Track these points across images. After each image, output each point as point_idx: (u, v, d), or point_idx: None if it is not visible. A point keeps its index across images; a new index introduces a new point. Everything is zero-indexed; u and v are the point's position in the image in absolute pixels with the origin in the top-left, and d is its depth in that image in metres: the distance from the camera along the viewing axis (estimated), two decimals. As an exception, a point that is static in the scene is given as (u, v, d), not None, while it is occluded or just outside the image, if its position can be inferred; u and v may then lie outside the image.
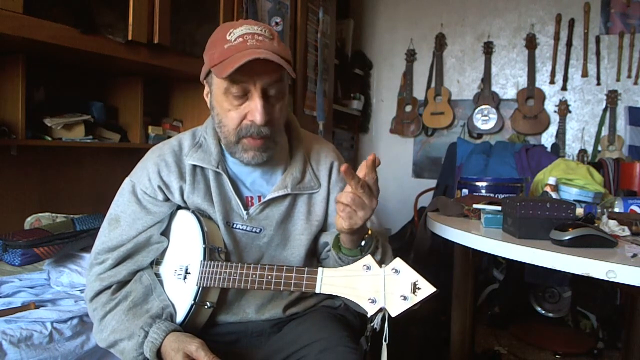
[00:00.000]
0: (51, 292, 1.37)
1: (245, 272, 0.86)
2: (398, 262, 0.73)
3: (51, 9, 1.41)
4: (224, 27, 0.96)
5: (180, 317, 0.92)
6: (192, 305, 0.91)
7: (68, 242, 1.37)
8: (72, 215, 1.54)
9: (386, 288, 0.72)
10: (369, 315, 0.73)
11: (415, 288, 0.71)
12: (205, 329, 0.98)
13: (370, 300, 0.72)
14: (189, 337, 0.86)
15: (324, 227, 1.07)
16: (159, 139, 1.98)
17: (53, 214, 1.57)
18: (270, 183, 1.04)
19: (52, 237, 1.34)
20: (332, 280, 0.77)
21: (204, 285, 0.91)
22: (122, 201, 1.02)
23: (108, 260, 0.98)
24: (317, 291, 0.78)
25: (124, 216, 1.00)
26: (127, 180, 1.05)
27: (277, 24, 2.42)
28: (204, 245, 0.92)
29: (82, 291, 1.36)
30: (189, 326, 0.92)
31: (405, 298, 0.70)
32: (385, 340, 0.74)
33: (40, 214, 1.56)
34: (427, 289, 0.70)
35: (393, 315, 0.71)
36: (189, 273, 0.94)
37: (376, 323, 0.74)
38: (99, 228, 1.43)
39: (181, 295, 0.94)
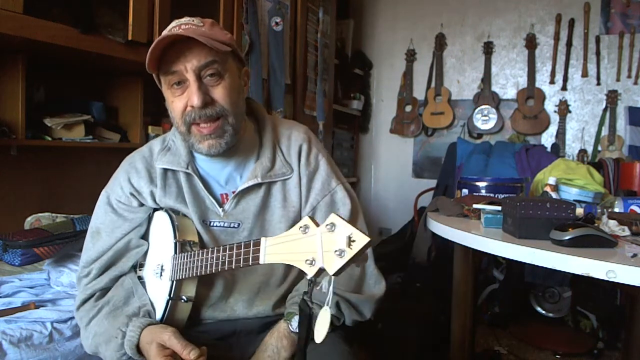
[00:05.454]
0: (51, 292, 1.37)
1: (206, 257, 0.86)
2: (333, 217, 0.68)
3: (51, 9, 1.41)
4: None
5: (159, 315, 0.93)
6: (167, 301, 0.91)
7: (68, 242, 1.37)
8: (72, 215, 1.54)
9: (323, 246, 0.68)
10: (309, 277, 0.69)
11: (350, 241, 0.65)
12: (195, 327, 0.99)
13: (308, 262, 0.68)
14: (161, 328, 0.86)
15: (301, 213, 1.04)
16: (159, 139, 1.98)
17: (53, 214, 1.57)
18: (243, 177, 1.03)
19: (52, 237, 1.34)
20: (273, 249, 0.74)
21: (177, 277, 0.91)
22: (99, 213, 1.04)
23: (92, 270, 1.00)
24: (261, 262, 0.75)
25: (103, 227, 1.02)
26: (102, 192, 1.06)
27: (277, 24, 2.42)
28: (175, 240, 0.93)
29: (82, 291, 1.36)
30: (168, 323, 0.92)
31: (341, 253, 0.65)
32: (327, 304, 0.70)
33: (40, 214, 1.56)
34: (361, 240, 0.65)
35: (331, 273, 0.66)
36: (164, 270, 0.95)
37: (324, 287, 0.70)
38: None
39: (159, 293, 0.95)
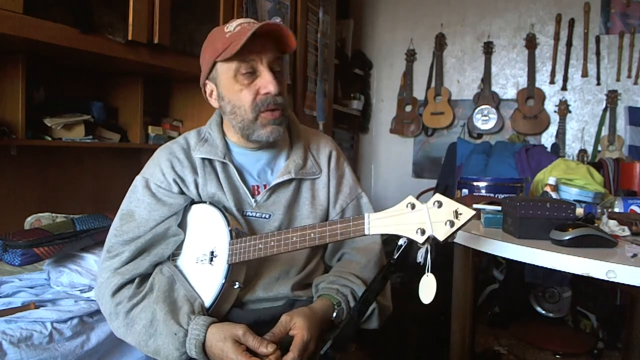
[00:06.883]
0: (51, 292, 1.37)
1: (283, 237, 0.90)
2: (439, 196, 0.79)
3: (51, 9, 1.41)
4: (218, 28, 1.04)
5: (209, 300, 0.94)
6: (222, 285, 0.93)
7: (68, 242, 1.37)
8: (72, 215, 1.54)
9: (432, 219, 0.78)
10: (420, 243, 0.78)
11: (457, 214, 0.77)
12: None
13: (419, 231, 0.78)
14: (231, 324, 0.89)
15: (328, 213, 1.11)
16: (159, 139, 1.98)
17: (53, 214, 1.56)
18: (275, 172, 1.09)
19: (52, 237, 1.34)
20: (378, 222, 0.83)
21: (235, 260, 0.93)
22: (135, 197, 1.04)
23: (124, 253, 0.99)
24: (366, 233, 0.83)
25: (138, 210, 1.02)
26: (138, 177, 1.07)
27: (277, 24, 2.41)
28: (229, 228, 0.96)
29: (82, 291, 1.36)
30: (216, 309, 0.94)
31: (451, 224, 0.77)
32: (428, 271, 0.80)
33: (40, 214, 1.55)
34: (467, 213, 0.77)
35: (441, 239, 0.77)
36: (216, 256, 0.97)
37: (420, 256, 0.80)
38: (99, 228, 1.43)
39: (208, 279, 0.96)
